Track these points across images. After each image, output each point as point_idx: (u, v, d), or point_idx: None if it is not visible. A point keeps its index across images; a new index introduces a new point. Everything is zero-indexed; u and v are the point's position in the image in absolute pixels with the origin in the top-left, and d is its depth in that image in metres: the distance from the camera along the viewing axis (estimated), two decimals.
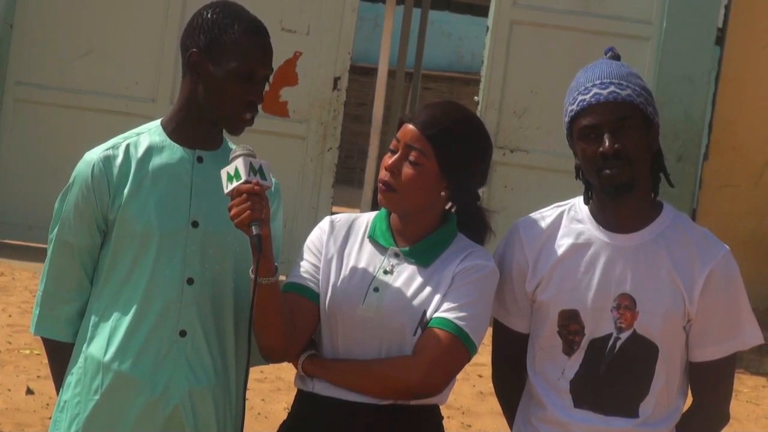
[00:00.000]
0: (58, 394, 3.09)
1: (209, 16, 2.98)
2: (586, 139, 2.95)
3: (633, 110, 2.93)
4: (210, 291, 3.00)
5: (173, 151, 3.02)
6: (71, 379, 3.02)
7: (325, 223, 3.10)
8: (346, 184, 19.05)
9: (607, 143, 2.91)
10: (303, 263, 3.06)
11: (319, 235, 3.09)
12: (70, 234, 3.00)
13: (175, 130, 3.03)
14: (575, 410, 3.00)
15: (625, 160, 2.91)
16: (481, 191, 3.13)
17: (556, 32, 9.72)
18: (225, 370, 3.03)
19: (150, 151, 3.01)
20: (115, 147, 3.02)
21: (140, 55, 9.83)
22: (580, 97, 2.96)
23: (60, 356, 3.07)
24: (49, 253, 3.05)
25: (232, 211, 2.83)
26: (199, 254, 2.99)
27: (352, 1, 9.79)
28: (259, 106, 3.03)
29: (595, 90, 2.94)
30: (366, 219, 3.10)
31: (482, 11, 13.45)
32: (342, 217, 3.12)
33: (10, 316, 8.02)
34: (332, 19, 9.79)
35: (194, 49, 2.97)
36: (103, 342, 2.97)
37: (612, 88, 2.94)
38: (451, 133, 2.98)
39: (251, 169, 2.84)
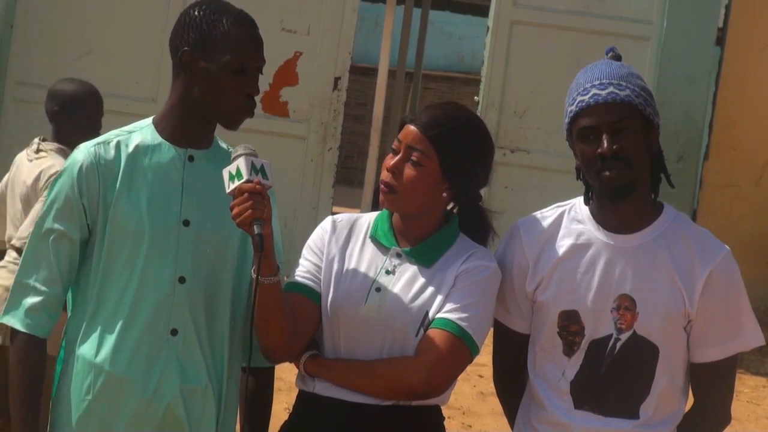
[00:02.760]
0: None
1: (196, 13, 2.99)
2: (585, 140, 2.94)
3: (632, 111, 2.93)
4: (202, 290, 2.99)
5: (165, 150, 3.01)
6: (64, 378, 3.01)
7: (327, 223, 3.10)
8: (347, 184, 19.02)
9: (605, 144, 2.90)
10: (305, 263, 3.06)
11: (321, 234, 3.09)
12: (51, 222, 2.98)
13: (166, 129, 3.02)
14: (575, 411, 3.00)
15: (623, 161, 2.91)
16: (482, 191, 3.13)
17: (556, 32, 9.72)
18: (217, 369, 3.02)
19: (141, 149, 3.00)
20: (106, 143, 3.00)
21: (140, 55, 9.83)
22: (579, 98, 2.96)
23: (19, 347, 2.97)
24: (29, 240, 3.03)
25: (234, 211, 2.83)
26: (191, 253, 2.98)
27: (353, 2, 9.79)
28: (259, 106, 3.03)
29: (594, 91, 2.94)
30: (368, 219, 3.10)
31: (482, 11, 13.44)
32: (344, 216, 3.12)
33: None
34: (332, 20, 9.79)
35: (186, 48, 2.97)
36: (94, 342, 2.96)
37: (611, 88, 2.93)
38: (453, 134, 2.98)
39: (253, 169, 2.85)
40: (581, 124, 2.94)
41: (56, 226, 2.97)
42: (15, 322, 2.99)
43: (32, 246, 3.01)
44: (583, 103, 2.94)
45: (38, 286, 2.98)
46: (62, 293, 3.01)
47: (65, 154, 4.92)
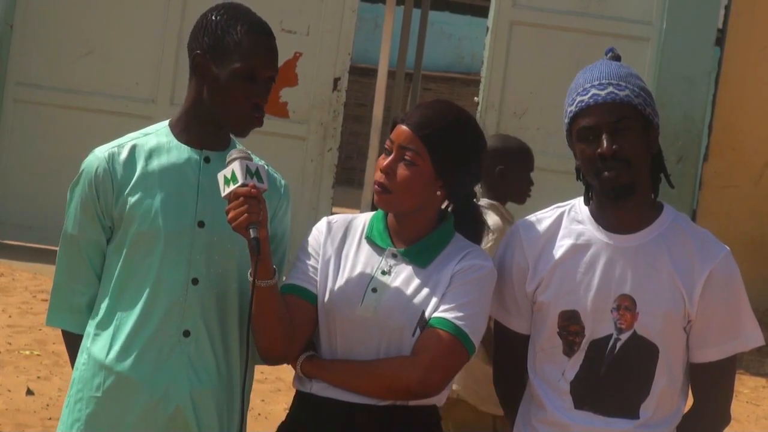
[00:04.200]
0: None
1: (214, 18, 3.00)
2: (585, 140, 2.94)
3: (631, 111, 2.93)
4: (215, 291, 3.00)
5: (180, 152, 3.03)
6: (75, 374, 3.04)
7: (322, 224, 3.10)
8: (346, 184, 19.03)
9: (605, 144, 2.90)
10: (301, 264, 3.06)
11: (316, 236, 3.09)
12: (76, 227, 3.04)
13: (182, 131, 3.05)
14: (576, 411, 2.99)
15: (623, 162, 2.91)
16: (476, 187, 3.13)
17: (555, 33, 9.72)
18: (228, 371, 3.03)
19: (157, 151, 3.02)
20: (121, 146, 3.04)
21: (140, 55, 9.83)
22: (579, 98, 2.95)
23: (73, 347, 3.09)
24: (60, 245, 3.09)
25: (230, 215, 2.83)
26: (204, 254, 2.99)
27: (352, 2, 9.79)
28: None
29: (593, 91, 2.94)
30: (363, 219, 3.10)
31: (482, 12, 13.45)
32: (339, 217, 3.12)
33: (10, 316, 8.01)
34: (332, 20, 9.79)
35: (198, 51, 2.99)
36: (105, 341, 2.98)
37: (610, 88, 2.93)
38: (445, 133, 2.98)
39: (248, 172, 2.85)
40: (581, 124, 2.94)
41: (79, 233, 3.03)
42: (65, 324, 3.09)
43: (63, 251, 3.08)
44: (583, 104, 2.94)
45: (78, 287, 3.05)
46: (97, 292, 3.07)
47: (496, 210, 4.64)
